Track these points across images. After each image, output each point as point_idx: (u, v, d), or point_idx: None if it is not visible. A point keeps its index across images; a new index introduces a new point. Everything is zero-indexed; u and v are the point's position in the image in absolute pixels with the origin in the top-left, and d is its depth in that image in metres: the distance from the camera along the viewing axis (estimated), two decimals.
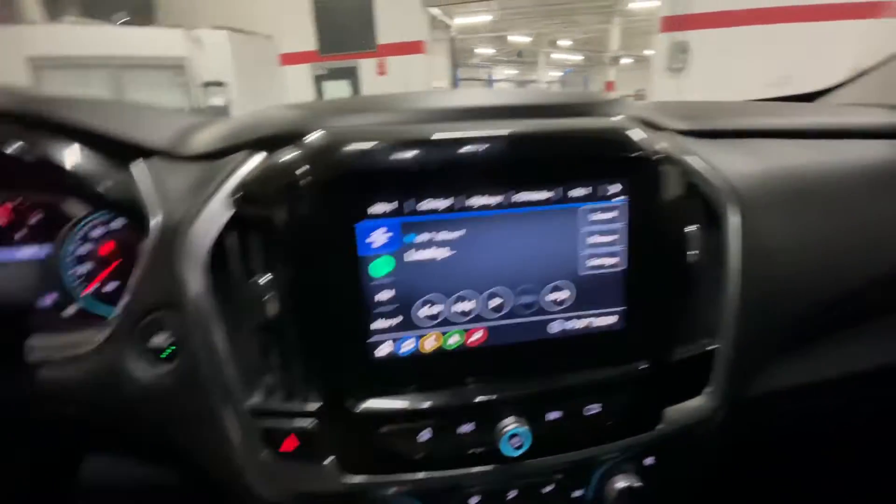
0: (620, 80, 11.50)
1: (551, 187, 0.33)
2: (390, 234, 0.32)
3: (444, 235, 0.33)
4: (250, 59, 6.55)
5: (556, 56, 16.92)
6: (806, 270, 0.42)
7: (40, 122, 0.39)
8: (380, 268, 0.32)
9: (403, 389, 0.35)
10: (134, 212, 0.38)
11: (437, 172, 0.32)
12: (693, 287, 0.40)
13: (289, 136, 0.36)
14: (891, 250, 0.44)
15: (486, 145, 0.32)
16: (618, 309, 0.36)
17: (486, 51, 15.76)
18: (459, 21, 11.09)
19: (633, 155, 0.34)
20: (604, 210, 0.34)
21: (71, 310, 0.44)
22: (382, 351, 0.34)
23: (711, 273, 0.40)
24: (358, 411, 0.34)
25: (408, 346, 0.34)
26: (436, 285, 0.33)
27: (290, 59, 7.04)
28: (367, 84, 6.82)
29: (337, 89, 7.02)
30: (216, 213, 0.36)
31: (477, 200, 0.32)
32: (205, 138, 0.42)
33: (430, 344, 0.34)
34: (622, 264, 0.35)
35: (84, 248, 0.45)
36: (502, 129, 0.33)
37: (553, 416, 0.36)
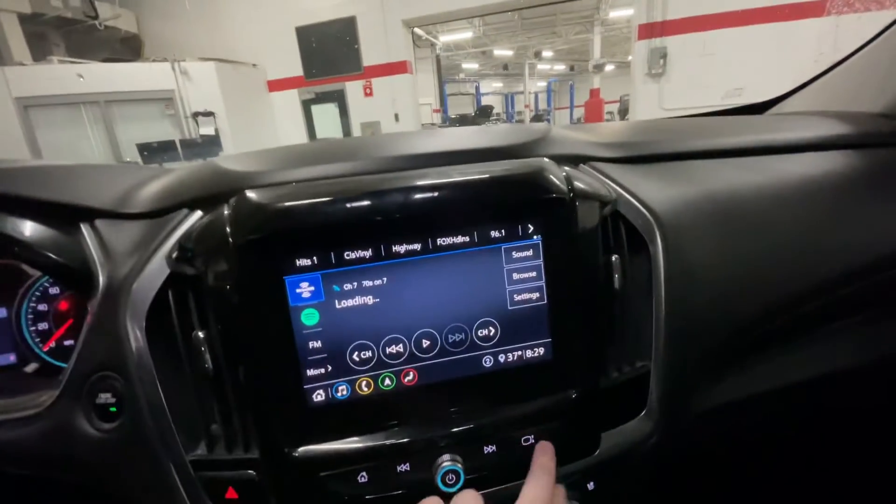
0: (605, 86, 11.66)
1: (470, 231, 0.35)
2: (313, 287, 0.33)
3: (368, 283, 0.34)
4: (238, 87, 6.64)
5: (541, 67, 17.19)
6: (734, 289, 0.43)
7: None
8: (310, 317, 0.34)
9: (341, 434, 0.36)
10: (82, 272, 0.40)
11: (355, 224, 0.33)
12: (619, 314, 0.42)
13: (221, 196, 0.37)
14: (819, 264, 0.45)
15: (403, 196, 0.34)
16: (544, 341, 0.38)
17: (472, 66, 16.00)
18: (444, 38, 11.27)
19: (544, 196, 0.36)
20: (522, 249, 0.36)
21: (31, 366, 0.46)
22: (318, 397, 0.35)
23: (638, 299, 0.42)
24: (296, 456, 0.35)
25: (342, 392, 0.35)
26: (365, 332, 0.35)
27: (277, 85, 7.14)
28: (355, 105, 6.92)
29: (325, 112, 7.11)
30: (155, 271, 0.37)
31: (398, 248, 0.34)
32: (147, 197, 0.44)
33: (364, 388, 0.36)
34: (543, 299, 0.37)
35: (41, 307, 0.46)
36: (420, 178, 0.35)
37: (489, 449, 0.38)
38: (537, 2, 6.96)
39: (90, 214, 0.43)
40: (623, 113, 10.42)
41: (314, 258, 0.33)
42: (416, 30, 7.49)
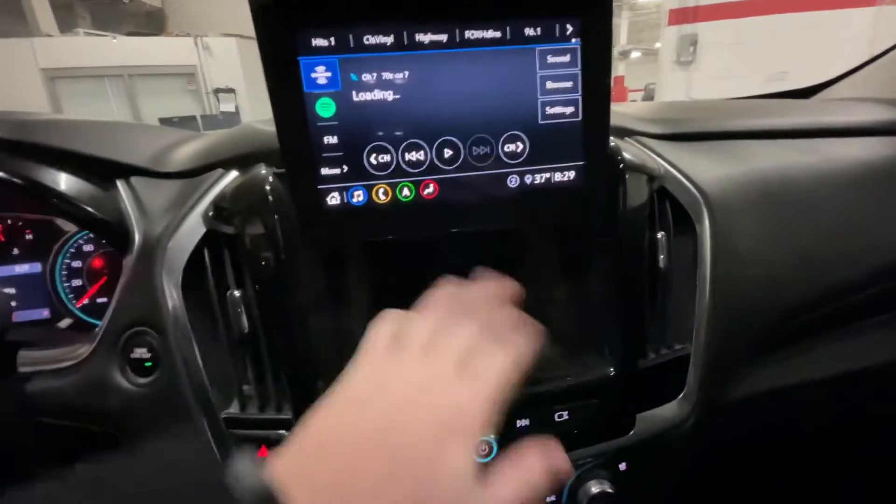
0: (630, 74, 11.40)
1: (503, 23, 0.32)
2: (329, 73, 0.31)
3: (389, 75, 0.31)
4: (259, 64, 6.65)
5: None
6: (781, 273, 0.41)
7: (27, 148, 0.41)
8: (325, 108, 0.31)
9: (357, 236, 0.34)
10: (118, 228, 0.41)
11: (379, 2, 0.30)
12: (662, 294, 0.40)
13: (256, 155, 0.38)
14: (869, 251, 0.43)
15: None
16: (576, 164, 0.34)
17: None
18: None
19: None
20: (558, 53, 0.33)
21: (65, 322, 0.47)
22: (333, 200, 0.33)
23: (682, 279, 0.40)
24: None
25: (358, 197, 0.33)
26: (383, 131, 0.32)
27: None
28: None
29: None
30: (191, 229, 0.38)
31: (423, 37, 0.31)
32: (183, 157, 0.45)
33: (381, 196, 0.33)
34: (578, 115, 0.34)
35: (75, 264, 0.48)
36: None
37: (522, 423, 0.36)
38: None
39: (128, 171, 0.44)
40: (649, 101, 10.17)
41: (331, 38, 0.30)
42: None
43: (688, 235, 0.41)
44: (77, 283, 0.48)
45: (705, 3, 5.35)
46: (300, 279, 0.36)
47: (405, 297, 0.44)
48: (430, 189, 0.33)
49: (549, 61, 0.33)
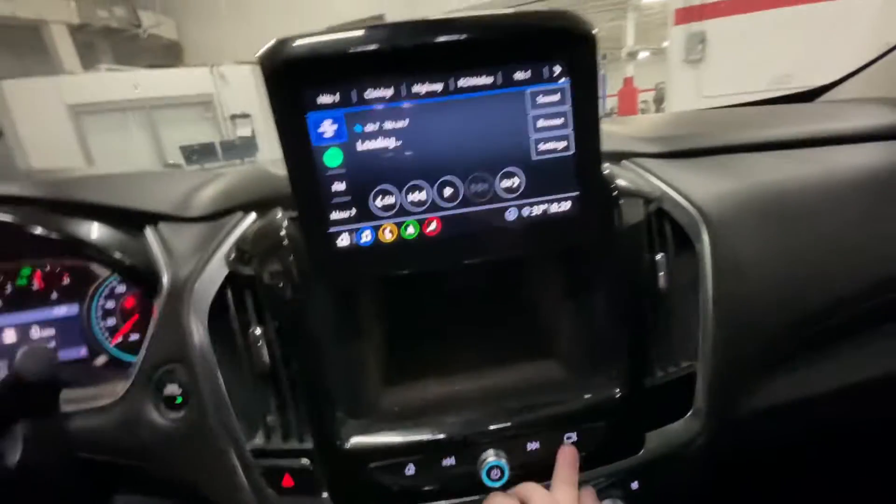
0: (639, 74, 11.31)
1: (494, 70, 0.34)
2: (336, 126, 0.33)
3: (390, 125, 0.34)
4: None
5: None
6: (783, 287, 0.42)
7: (63, 205, 0.46)
8: (333, 158, 0.34)
9: (364, 275, 0.37)
10: (147, 272, 0.44)
11: (378, 59, 0.33)
12: (665, 314, 0.41)
13: (273, 200, 0.42)
14: (873, 261, 0.43)
15: (427, 30, 0.33)
16: (571, 195, 0.36)
17: None
18: None
19: (573, 33, 0.34)
20: (548, 93, 0.35)
21: (101, 360, 0.51)
22: (343, 241, 0.35)
23: (684, 297, 0.41)
24: (347, 448, 0.37)
25: (366, 237, 0.35)
26: (387, 175, 0.34)
27: None
28: None
29: None
30: (215, 271, 0.41)
31: (421, 87, 0.34)
32: (204, 201, 0.48)
33: (388, 235, 0.35)
34: (570, 149, 0.36)
35: (109, 304, 0.51)
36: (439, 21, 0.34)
37: (532, 446, 0.38)
38: None
39: (154, 218, 0.47)
40: (659, 102, 10.06)
41: (336, 95, 0.33)
42: None
43: (689, 253, 0.42)
44: (111, 322, 0.51)
45: (711, 0, 5.31)
46: (317, 315, 0.39)
47: (417, 328, 0.46)
48: (434, 226, 0.36)
49: (539, 101, 0.35)
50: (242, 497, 0.40)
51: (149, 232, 0.47)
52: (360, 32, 0.33)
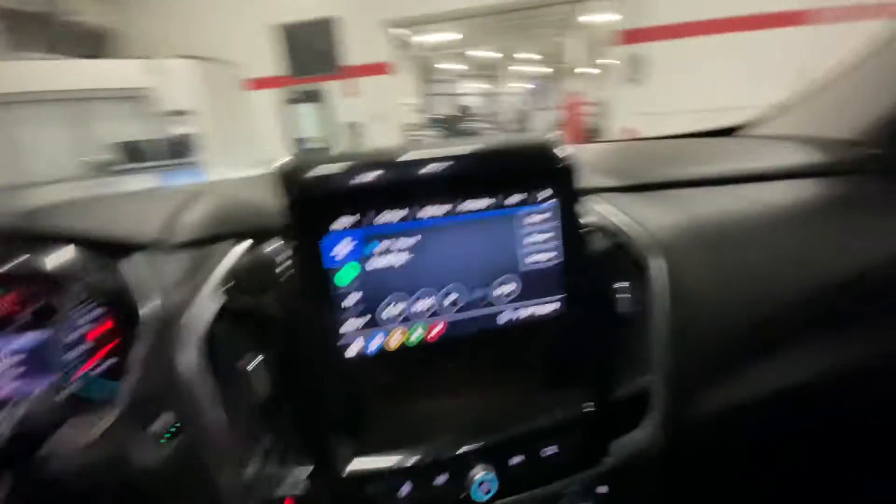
0: (587, 88, 11.86)
1: (491, 196, 0.39)
2: (353, 243, 0.36)
3: (399, 244, 0.37)
4: (216, 86, 6.54)
5: (521, 69, 17.36)
6: (726, 304, 0.48)
7: (35, 236, 0.44)
8: (346, 276, 0.37)
9: (376, 392, 0.40)
10: (129, 303, 0.42)
11: (392, 190, 0.37)
12: (626, 334, 0.46)
13: (267, 230, 0.41)
14: (800, 284, 0.50)
15: (434, 165, 0.38)
16: (558, 297, 0.41)
17: (454, 66, 16.06)
18: (426, 39, 11.30)
19: (556, 166, 0.40)
20: (538, 213, 0.40)
21: (69, 390, 0.46)
22: (351, 352, 0.38)
23: (642, 316, 0.46)
24: (346, 473, 0.39)
25: (373, 346, 0.38)
26: (396, 288, 0.38)
27: (257, 84, 7.05)
28: (338, 105, 6.89)
29: (306, 112, 7.06)
30: (207, 301, 0.40)
31: (428, 211, 0.38)
32: (190, 226, 0.46)
33: (393, 342, 0.39)
34: (559, 258, 0.41)
35: (79, 332, 0.47)
36: (446, 150, 0.39)
37: (516, 460, 0.41)
38: (515, 6, 7.07)
39: (135, 247, 0.45)
40: (602, 115, 10.63)
41: (351, 220, 0.36)
42: (399, 30, 7.51)
43: (643, 277, 0.47)
44: (87, 347, 0.47)
45: (650, 25, 5.73)
46: (310, 347, 0.39)
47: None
48: (438, 329, 0.39)
49: (529, 221, 0.40)
50: None
51: (130, 261, 0.45)
52: (375, 166, 0.36)
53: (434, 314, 0.39)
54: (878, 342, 0.50)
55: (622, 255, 0.47)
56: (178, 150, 6.13)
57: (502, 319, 0.41)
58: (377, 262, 0.37)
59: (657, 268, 0.46)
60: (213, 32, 6.71)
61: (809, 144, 0.65)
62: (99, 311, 0.47)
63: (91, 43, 6.53)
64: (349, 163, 0.37)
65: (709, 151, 0.72)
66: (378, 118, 6.81)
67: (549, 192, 0.40)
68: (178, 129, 6.22)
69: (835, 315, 0.50)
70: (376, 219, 0.37)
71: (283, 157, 0.37)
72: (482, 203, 0.39)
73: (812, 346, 0.50)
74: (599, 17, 8.60)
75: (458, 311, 0.40)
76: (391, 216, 0.37)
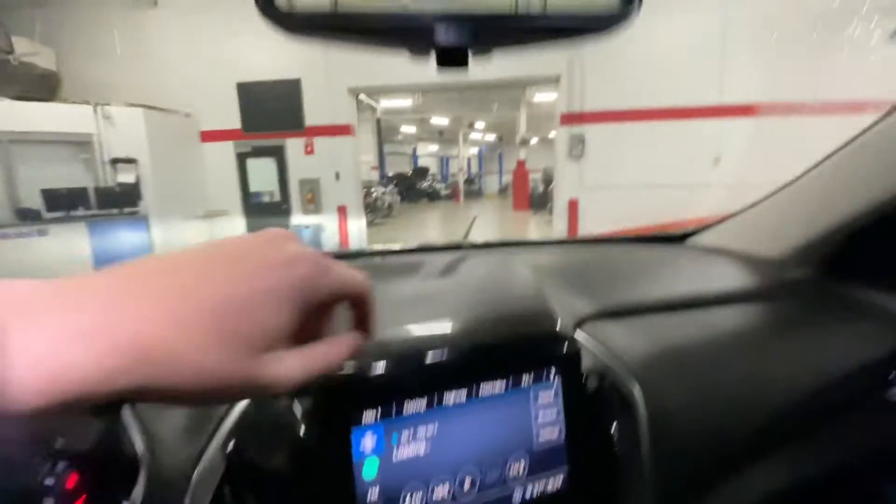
0: (530, 157, 12.71)
1: (507, 377, 0.41)
2: (376, 436, 0.36)
3: (421, 432, 0.38)
4: (167, 136, 6.38)
5: (473, 136, 18.39)
6: (704, 421, 0.51)
7: None
8: (370, 469, 0.36)
9: None
10: (128, 461, 0.38)
11: (417, 381, 0.38)
12: (617, 462, 0.48)
13: None
14: (767, 403, 0.54)
15: (457, 354, 0.40)
16: (564, 468, 0.43)
17: (410, 129, 16.74)
18: (385, 104, 11.78)
19: (563, 349, 0.44)
20: (545, 389, 0.42)
21: None
22: None
23: (625, 442, 0.48)
24: None
25: None
26: (416, 476, 0.38)
27: (210, 136, 6.96)
28: (294, 162, 6.91)
29: (261, 167, 7.00)
30: (212, 461, 0.38)
31: (449, 396, 0.39)
32: None
33: None
34: (563, 435, 0.43)
35: (48, 481, 0.43)
36: (462, 340, 0.41)
37: None
38: (469, 84, 7.62)
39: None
40: (547, 183, 11.39)
41: (378, 411, 0.36)
42: (362, 96, 7.79)
43: (628, 408, 0.48)
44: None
45: (588, 109, 6.37)
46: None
47: None
48: None
49: (540, 400, 0.42)
50: None
51: (124, 413, 0.41)
52: (401, 361, 0.37)
53: (451, 498, 0.39)
54: (839, 451, 0.54)
55: (608, 389, 0.49)
56: (122, 199, 5.81)
57: (516, 500, 0.41)
58: (400, 455, 0.37)
59: (636, 393, 0.49)
60: (167, 83, 6.64)
61: (751, 263, 0.73)
62: (99, 472, 0.43)
63: (39, 86, 6.24)
64: (375, 360, 0.37)
65: (663, 263, 0.79)
66: (336, 175, 6.87)
67: (552, 369, 0.42)
68: (123, 177, 5.94)
69: (798, 428, 0.54)
70: (400, 409, 0.37)
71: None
72: (499, 385, 0.40)
73: (776, 462, 0.53)
74: (546, 97, 9.43)
75: (473, 492, 0.40)
76: (415, 406, 0.37)
